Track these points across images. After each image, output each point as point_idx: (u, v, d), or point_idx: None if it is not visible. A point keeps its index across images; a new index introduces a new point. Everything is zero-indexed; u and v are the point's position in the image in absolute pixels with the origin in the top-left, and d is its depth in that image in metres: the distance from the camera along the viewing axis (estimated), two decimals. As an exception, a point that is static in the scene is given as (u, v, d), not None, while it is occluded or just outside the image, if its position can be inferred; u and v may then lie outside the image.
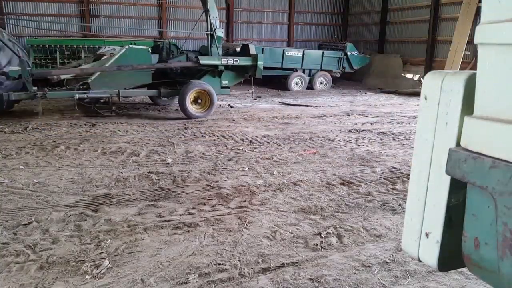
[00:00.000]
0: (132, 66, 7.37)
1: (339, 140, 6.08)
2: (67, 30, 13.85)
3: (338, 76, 14.12)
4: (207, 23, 8.04)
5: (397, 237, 2.93)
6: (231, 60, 7.94)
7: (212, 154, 5.17)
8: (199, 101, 7.72)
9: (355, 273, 2.44)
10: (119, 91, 7.26)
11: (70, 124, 6.79)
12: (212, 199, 3.60)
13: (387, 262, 2.58)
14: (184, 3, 15.81)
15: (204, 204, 3.48)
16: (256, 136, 6.23)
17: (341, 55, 13.50)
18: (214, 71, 8.07)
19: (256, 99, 10.42)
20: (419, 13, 15.05)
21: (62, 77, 7.72)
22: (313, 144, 5.84)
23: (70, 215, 3.18)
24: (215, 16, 8.09)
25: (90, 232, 2.92)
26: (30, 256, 2.55)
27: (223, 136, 6.23)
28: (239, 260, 2.55)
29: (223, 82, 8.19)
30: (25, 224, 3.01)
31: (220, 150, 5.38)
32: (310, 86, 13.09)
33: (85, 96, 7.10)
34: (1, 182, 3.93)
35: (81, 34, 14.02)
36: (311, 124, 7.44)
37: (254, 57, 8.10)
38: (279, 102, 10.39)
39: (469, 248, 1.09)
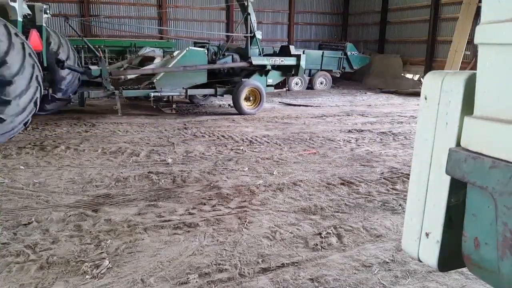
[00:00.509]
0: (196, 66, 8.03)
1: (339, 140, 6.08)
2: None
3: (338, 76, 14.13)
4: (247, 26, 8.79)
5: (397, 237, 2.93)
6: (278, 60, 8.70)
7: (212, 154, 5.17)
8: (250, 98, 8.44)
9: (355, 273, 2.44)
10: (186, 90, 7.93)
11: (70, 124, 6.79)
12: (212, 199, 3.60)
13: (387, 262, 2.58)
14: (184, 3, 15.81)
15: (204, 204, 3.48)
16: (256, 136, 6.23)
17: (341, 55, 13.51)
18: (262, 71, 8.69)
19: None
20: (419, 13, 15.05)
21: (129, 77, 8.21)
22: (313, 144, 5.84)
23: (70, 215, 3.18)
24: (254, 20, 8.93)
25: (90, 232, 2.92)
26: (30, 256, 2.55)
27: (223, 136, 6.23)
28: (239, 260, 2.55)
29: (268, 80, 8.88)
30: (25, 224, 3.01)
31: (220, 150, 5.38)
32: (310, 86, 13.10)
33: (159, 94, 7.69)
34: (1, 182, 3.93)
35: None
36: (311, 124, 7.44)
37: (298, 57, 8.81)
38: (279, 102, 10.39)
39: (469, 248, 1.09)
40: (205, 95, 7.79)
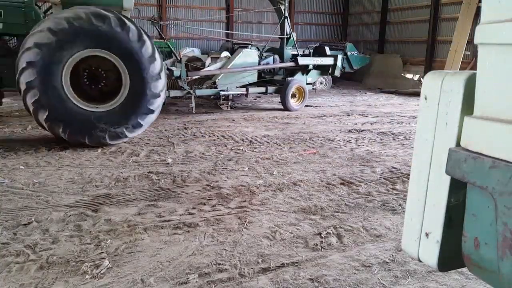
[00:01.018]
0: (255, 66, 8.89)
1: (339, 140, 6.08)
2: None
3: (338, 76, 14.15)
4: (284, 29, 9.50)
5: (397, 237, 2.93)
6: (318, 61, 9.59)
7: (212, 154, 5.17)
8: (296, 95, 9.22)
9: (355, 273, 2.44)
10: (247, 88, 8.67)
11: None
12: (212, 199, 3.60)
13: (387, 262, 2.58)
14: (184, 3, 15.81)
15: (204, 204, 3.48)
16: (256, 136, 6.23)
17: (341, 55, 13.51)
18: (303, 70, 9.54)
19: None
20: (419, 13, 15.05)
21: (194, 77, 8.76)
22: (313, 144, 5.84)
23: (70, 215, 3.18)
24: (289, 22, 9.73)
25: (90, 232, 2.92)
26: (30, 256, 2.55)
27: (223, 136, 6.23)
28: (239, 260, 2.55)
29: (308, 79, 9.75)
30: (25, 224, 3.01)
31: (220, 150, 5.38)
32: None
33: (226, 93, 8.42)
34: (1, 182, 3.93)
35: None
36: (311, 124, 7.44)
37: (335, 58, 9.75)
38: (279, 102, 10.39)
39: (469, 248, 1.09)
40: (274, 92, 8.61)
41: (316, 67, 9.73)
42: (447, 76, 1.16)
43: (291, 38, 9.65)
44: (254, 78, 9.01)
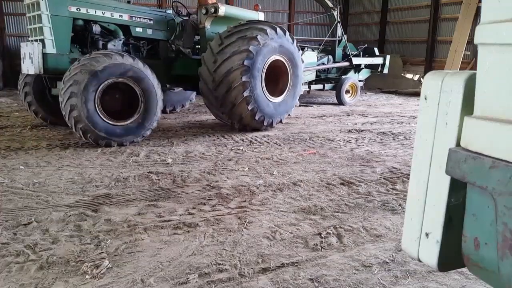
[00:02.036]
0: (315, 66, 9.82)
1: (339, 140, 6.08)
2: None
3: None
4: (336, 31, 10.57)
5: (397, 237, 2.93)
6: (370, 60, 10.76)
7: (212, 154, 5.17)
8: (349, 91, 10.37)
9: (355, 273, 2.44)
10: (309, 85, 9.91)
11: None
12: (212, 199, 3.60)
13: (387, 262, 2.57)
14: (183, 4, 15.79)
15: (204, 204, 3.48)
16: (256, 136, 6.23)
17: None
18: (356, 68, 10.72)
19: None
20: (419, 13, 15.05)
21: None
22: (313, 144, 5.84)
23: (70, 215, 3.18)
24: (341, 26, 10.79)
25: (90, 232, 2.92)
26: (30, 256, 2.55)
27: (223, 136, 6.23)
28: (239, 260, 2.55)
29: (359, 76, 10.95)
30: (25, 224, 3.01)
31: (220, 150, 5.38)
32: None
33: None
34: (1, 182, 3.93)
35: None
36: (311, 124, 7.44)
37: (384, 57, 10.89)
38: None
39: (469, 248, 1.09)
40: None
41: (367, 66, 10.82)
42: (447, 76, 1.16)
43: (343, 40, 10.65)
44: (313, 76, 9.95)
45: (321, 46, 10.68)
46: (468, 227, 1.09)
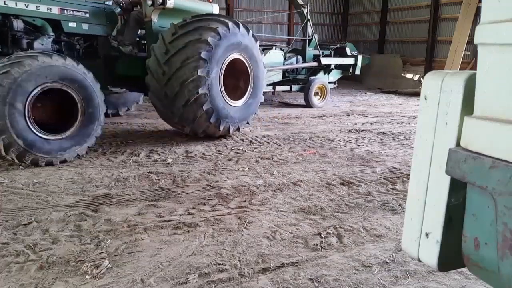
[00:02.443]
0: (281, 66, 9.47)
1: (339, 140, 6.08)
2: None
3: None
4: (305, 31, 10.19)
5: (397, 237, 2.93)
6: (340, 60, 10.27)
7: (212, 154, 5.17)
8: (318, 93, 9.88)
9: (355, 273, 2.44)
10: (274, 86, 9.32)
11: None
12: (212, 199, 3.60)
13: (387, 262, 2.58)
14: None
15: (204, 204, 3.48)
16: (256, 136, 6.23)
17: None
18: (325, 69, 10.22)
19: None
20: (419, 13, 15.05)
21: None
22: (313, 144, 5.84)
23: (70, 215, 3.18)
24: (311, 24, 10.36)
25: (90, 232, 2.92)
26: (30, 256, 2.55)
27: (223, 136, 6.22)
28: (239, 260, 2.55)
29: (330, 78, 10.44)
30: (25, 224, 3.01)
31: (220, 150, 5.38)
32: None
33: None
34: (1, 182, 3.93)
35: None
36: (311, 124, 7.44)
37: (356, 58, 10.43)
38: (279, 102, 10.39)
39: (469, 248, 1.09)
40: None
41: (337, 66, 10.37)
42: (447, 76, 1.16)
43: (313, 39, 10.26)
44: (279, 77, 9.50)
45: (289, 47, 10.48)
46: (468, 227, 1.10)
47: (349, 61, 10.33)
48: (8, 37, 4.97)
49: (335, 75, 10.64)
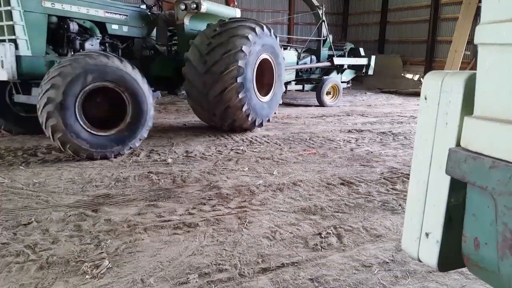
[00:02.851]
0: (294, 66, 9.66)
1: (339, 140, 6.08)
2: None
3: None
4: (320, 31, 10.40)
5: (397, 237, 2.93)
6: (353, 61, 10.52)
7: (212, 154, 5.17)
8: (330, 93, 10.13)
9: (355, 273, 2.44)
10: (286, 85, 9.20)
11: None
12: (212, 199, 3.60)
13: (387, 262, 2.58)
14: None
15: (204, 204, 3.48)
16: (256, 136, 6.23)
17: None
18: (338, 69, 10.54)
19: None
20: (419, 13, 15.05)
21: None
22: (313, 144, 5.84)
23: (70, 215, 3.18)
24: (326, 25, 10.60)
25: (90, 232, 2.92)
26: (30, 256, 2.55)
27: (223, 136, 6.23)
28: (239, 260, 2.55)
29: (343, 77, 10.74)
30: (25, 224, 3.01)
31: (220, 150, 5.38)
32: None
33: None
34: (1, 182, 3.93)
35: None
36: (311, 124, 7.44)
37: (369, 58, 10.68)
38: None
39: (469, 249, 1.09)
40: (311, 90, 9.38)
41: (351, 66, 10.59)
42: (447, 76, 1.16)
43: (328, 40, 10.47)
44: (292, 76, 9.78)
45: (303, 47, 10.65)
46: (468, 227, 1.10)
47: (362, 61, 10.55)
48: (64, 39, 5.35)
49: (348, 75, 10.91)
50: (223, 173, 4.38)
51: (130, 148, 5.00)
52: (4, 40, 4.74)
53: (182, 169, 4.48)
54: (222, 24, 6.02)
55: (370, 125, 7.54)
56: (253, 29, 6.03)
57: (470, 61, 12.36)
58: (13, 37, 4.72)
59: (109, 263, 2.48)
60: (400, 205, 3.54)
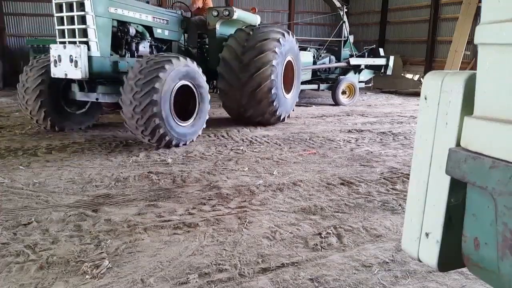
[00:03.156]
0: (310, 66, 10.00)
1: (339, 140, 6.08)
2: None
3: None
4: (342, 31, 10.70)
5: (397, 237, 2.93)
6: (370, 61, 10.61)
7: (212, 154, 5.17)
8: (346, 92, 10.28)
9: (355, 273, 2.44)
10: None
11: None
12: (212, 199, 3.60)
13: (387, 262, 2.58)
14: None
15: (204, 204, 3.48)
16: (256, 136, 6.23)
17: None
18: (356, 69, 10.63)
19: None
20: (419, 13, 15.05)
21: None
22: (313, 144, 5.84)
23: (70, 215, 3.18)
24: (347, 26, 10.97)
25: (90, 232, 2.92)
26: (30, 256, 2.55)
27: (223, 136, 6.23)
28: (239, 260, 2.55)
29: (360, 77, 10.85)
30: (25, 224, 3.01)
31: (220, 150, 5.38)
32: None
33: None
34: (1, 182, 3.93)
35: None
36: (311, 124, 7.44)
37: (387, 58, 10.67)
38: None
39: (469, 249, 1.09)
40: (326, 89, 9.65)
41: (369, 66, 10.67)
42: (447, 76, 1.16)
43: (348, 40, 10.74)
44: (308, 76, 10.06)
45: (322, 46, 10.72)
46: (468, 227, 1.09)
47: (380, 61, 10.63)
48: (123, 41, 5.90)
49: (366, 74, 11.01)
50: (223, 173, 4.38)
51: (198, 135, 5.80)
52: (74, 42, 5.28)
53: (182, 169, 4.48)
54: (253, 29, 6.82)
55: (370, 125, 7.54)
56: (283, 34, 6.87)
57: (470, 61, 12.36)
58: (84, 39, 5.26)
59: (109, 263, 2.48)
60: (400, 205, 3.54)
